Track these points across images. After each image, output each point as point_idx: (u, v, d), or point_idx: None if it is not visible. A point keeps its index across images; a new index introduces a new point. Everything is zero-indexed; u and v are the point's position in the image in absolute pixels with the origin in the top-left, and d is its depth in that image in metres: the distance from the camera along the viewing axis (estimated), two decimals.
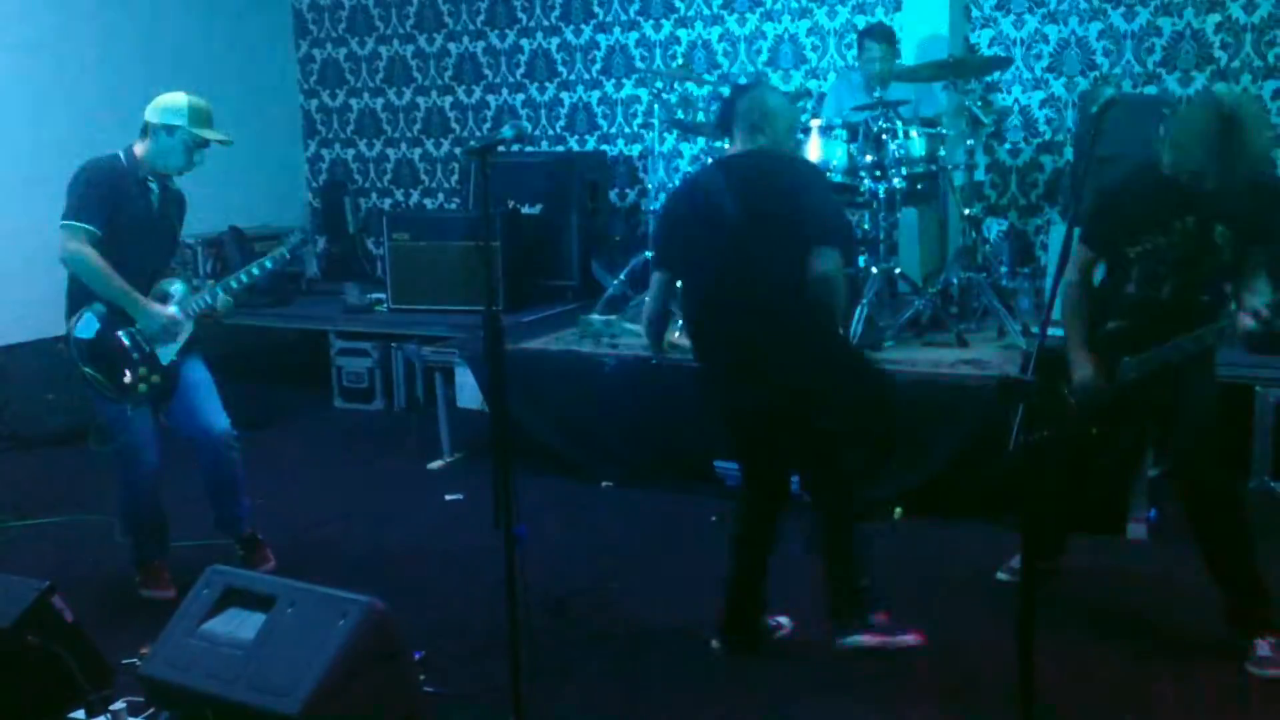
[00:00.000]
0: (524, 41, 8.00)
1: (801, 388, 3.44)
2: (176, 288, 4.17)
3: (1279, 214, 3.41)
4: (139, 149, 4.06)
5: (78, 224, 3.94)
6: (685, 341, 3.87)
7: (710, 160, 3.77)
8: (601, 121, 7.85)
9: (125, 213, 4.02)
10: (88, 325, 3.98)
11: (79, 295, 4.04)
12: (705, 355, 3.61)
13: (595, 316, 3.98)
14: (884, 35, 6.10)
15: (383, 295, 7.05)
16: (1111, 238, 3.50)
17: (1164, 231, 3.38)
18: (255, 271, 4.26)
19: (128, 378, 4.02)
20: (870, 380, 3.90)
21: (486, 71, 8.17)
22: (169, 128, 4.01)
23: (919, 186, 5.57)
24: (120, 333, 4.02)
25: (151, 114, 4.04)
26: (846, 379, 3.58)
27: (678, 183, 3.95)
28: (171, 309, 4.10)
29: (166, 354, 4.11)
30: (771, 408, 3.48)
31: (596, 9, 7.72)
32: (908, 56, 6.39)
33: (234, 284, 4.21)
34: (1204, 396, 3.54)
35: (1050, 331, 2.98)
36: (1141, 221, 3.42)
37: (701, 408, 3.94)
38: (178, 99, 4.04)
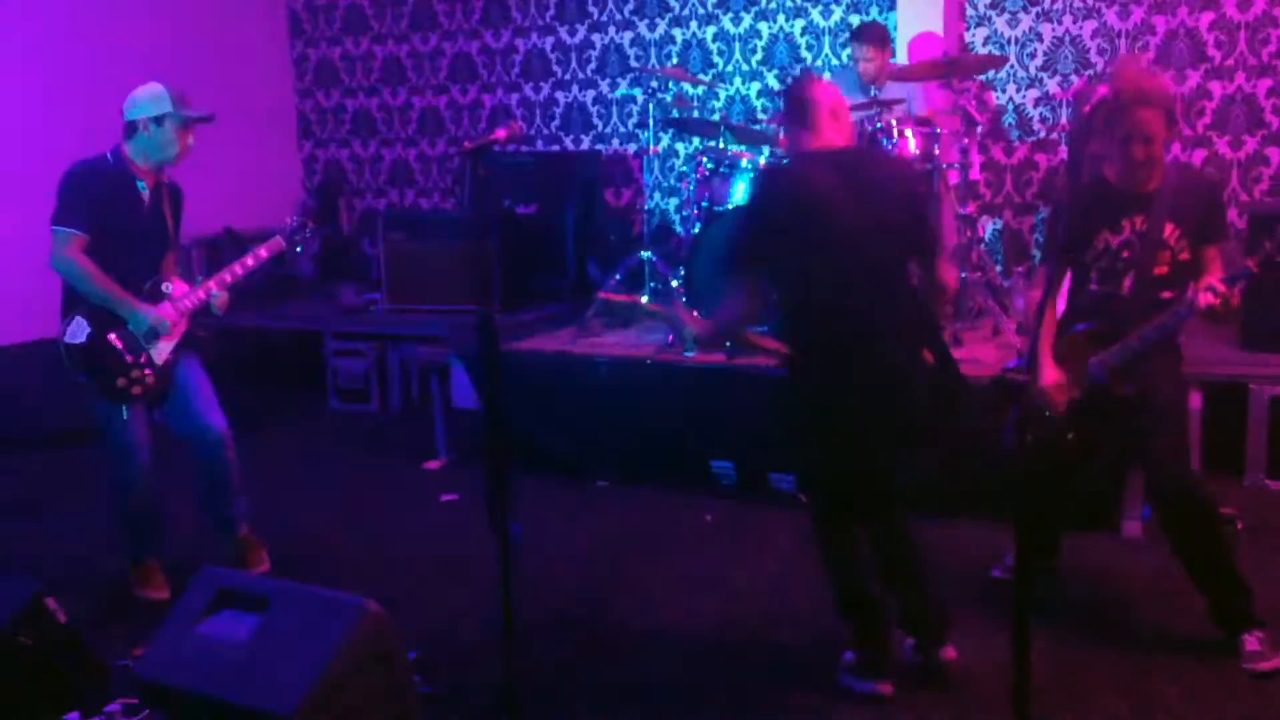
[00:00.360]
0: (519, 41, 8.00)
1: (906, 390, 3.26)
2: (168, 286, 4.15)
3: (1220, 211, 3.60)
4: (127, 149, 4.04)
5: (65, 228, 3.92)
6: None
7: (796, 156, 3.43)
8: (597, 121, 7.85)
9: (115, 213, 4.00)
10: (79, 329, 3.96)
11: (71, 299, 4.02)
12: (812, 360, 3.32)
13: (616, 300, 3.75)
14: (875, 37, 6.06)
15: (378, 295, 7.05)
16: (1067, 248, 3.57)
17: (1114, 231, 3.50)
18: (249, 262, 4.24)
19: (121, 381, 4.00)
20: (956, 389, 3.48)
21: (482, 71, 8.17)
22: (157, 119, 3.98)
23: None
24: (112, 335, 4.00)
25: (133, 111, 4.00)
26: (939, 386, 3.36)
27: (765, 175, 3.62)
28: (164, 307, 4.09)
29: (161, 353, 4.10)
30: (877, 406, 3.26)
31: (591, 8, 7.72)
32: (901, 55, 6.39)
33: (227, 276, 4.20)
34: (1173, 396, 3.59)
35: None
36: (1093, 227, 3.53)
37: (787, 418, 3.55)
38: (155, 89, 4.01)
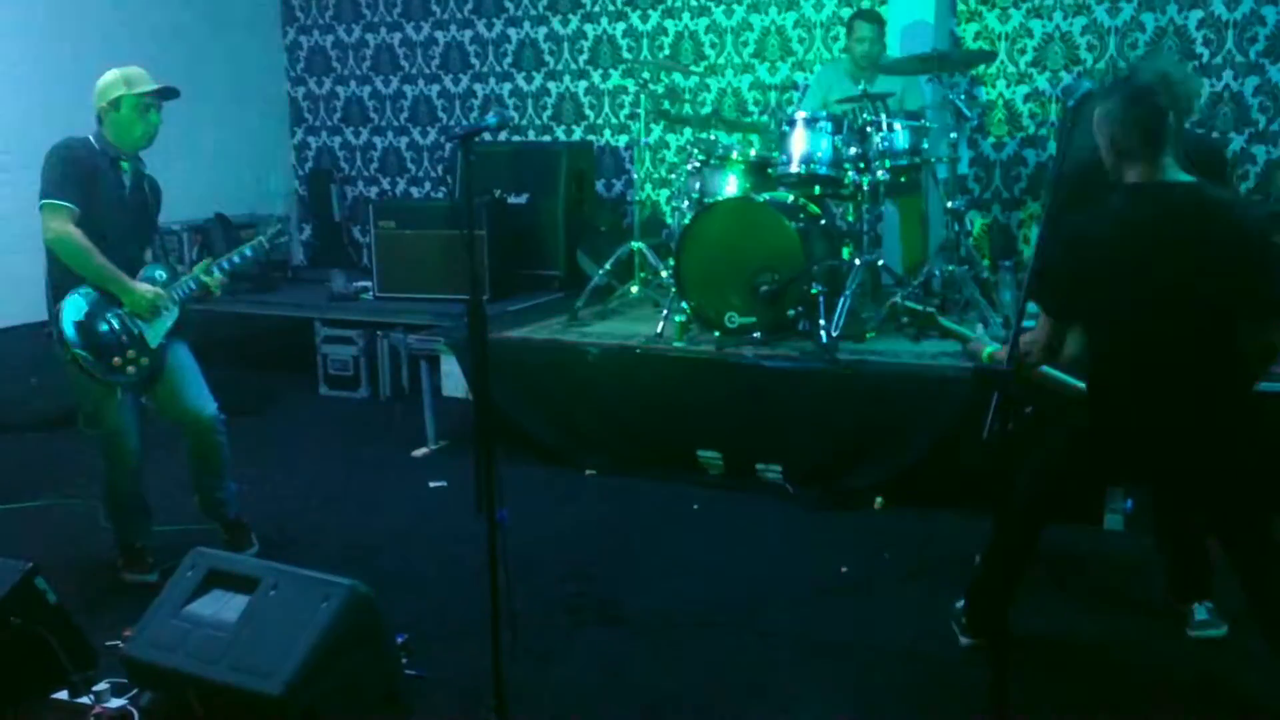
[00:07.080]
0: (511, 31, 8.01)
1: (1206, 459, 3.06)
2: (160, 273, 4.18)
3: (1226, 168, 3.74)
4: (105, 133, 4.07)
5: (59, 202, 3.92)
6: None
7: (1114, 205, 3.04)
8: (589, 112, 7.87)
9: (100, 192, 4.01)
10: (76, 308, 3.97)
11: (62, 278, 4.02)
12: (1106, 413, 3.13)
13: (915, 308, 3.67)
14: (876, 18, 6.20)
15: (369, 283, 7.07)
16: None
17: None
18: (236, 259, 4.31)
19: (116, 360, 4.02)
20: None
21: (474, 60, 8.18)
22: (113, 103, 4.02)
23: (902, 179, 5.61)
24: (109, 314, 4.02)
25: (97, 101, 4.05)
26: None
27: (1086, 216, 3.06)
28: (158, 287, 4.12)
29: (154, 336, 4.11)
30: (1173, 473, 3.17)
31: None
32: (893, 49, 6.42)
33: (216, 270, 4.24)
34: None
35: (1026, 324, 3.01)
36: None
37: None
38: (109, 75, 4.06)
